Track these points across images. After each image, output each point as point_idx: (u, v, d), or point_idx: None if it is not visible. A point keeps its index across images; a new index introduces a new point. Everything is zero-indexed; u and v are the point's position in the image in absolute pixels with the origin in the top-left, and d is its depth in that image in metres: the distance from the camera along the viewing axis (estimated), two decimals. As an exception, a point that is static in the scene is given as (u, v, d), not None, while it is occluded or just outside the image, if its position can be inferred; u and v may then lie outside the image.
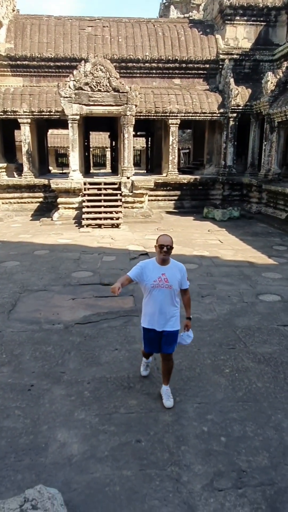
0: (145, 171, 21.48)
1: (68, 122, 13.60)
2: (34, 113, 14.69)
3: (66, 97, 13.19)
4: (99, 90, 13.28)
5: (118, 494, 2.83)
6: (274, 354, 4.76)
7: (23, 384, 4.16)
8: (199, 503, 2.76)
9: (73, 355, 4.75)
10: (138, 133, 20.47)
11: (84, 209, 13.23)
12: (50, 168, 23.14)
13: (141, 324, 3.84)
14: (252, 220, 14.35)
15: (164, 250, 3.58)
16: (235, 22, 15.85)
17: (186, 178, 15.99)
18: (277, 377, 4.29)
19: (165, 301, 3.62)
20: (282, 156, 15.02)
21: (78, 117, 13.49)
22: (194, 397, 3.93)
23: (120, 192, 13.71)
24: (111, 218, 13.16)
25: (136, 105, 13.68)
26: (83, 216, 13.06)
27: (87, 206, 13.30)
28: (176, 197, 16.08)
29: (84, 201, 13.40)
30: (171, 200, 16.08)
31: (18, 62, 15.31)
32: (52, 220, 13.49)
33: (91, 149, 26.12)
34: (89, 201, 13.41)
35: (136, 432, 3.45)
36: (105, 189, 13.75)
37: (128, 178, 13.95)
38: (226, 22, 15.82)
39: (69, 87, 13.13)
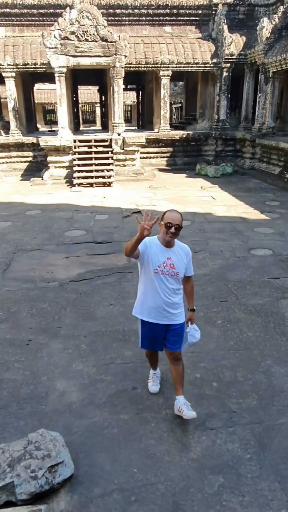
0: (136, 128, 20.92)
1: (55, 75, 13.02)
2: (19, 66, 13.98)
3: (52, 47, 12.54)
4: (86, 40, 12.62)
5: (116, 436, 3.01)
6: (264, 306, 4.91)
7: (21, 339, 4.27)
8: (192, 441, 2.95)
9: (69, 311, 4.85)
10: (128, 87, 19.70)
11: (75, 168, 12.98)
12: (38, 125, 22.42)
13: (138, 316, 3.15)
14: (245, 176, 14.21)
15: (172, 231, 2.83)
16: None
17: (178, 134, 15.62)
18: (267, 327, 4.45)
19: (170, 290, 2.99)
20: (277, 109, 14.65)
21: (65, 69, 12.90)
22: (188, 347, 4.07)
23: (111, 149, 13.41)
24: (103, 177, 12.96)
25: (125, 56, 13.07)
26: (74, 175, 12.84)
27: (78, 165, 13.05)
28: (168, 154, 15.78)
29: (74, 160, 13.12)
30: (163, 157, 15.79)
31: (-1, 10, 14.39)
32: (42, 179, 13.26)
33: (80, 105, 25.24)
34: (79, 159, 13.14)
35: (132, 380, 3.61)
36: (96, 146, 13.44)
37: (119, 134, 13.59)
38: None
39: (54, 36, 12.45)
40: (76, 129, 17.42)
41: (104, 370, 3.76)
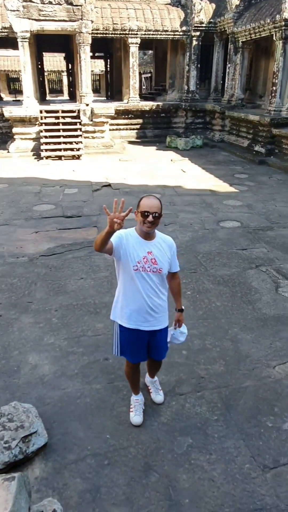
0: (105, 98, 20.36)
1: (18, 40, 12.36)
2: (-22, 30, 13.15)
3: (13, 10, 11.83)
4: (50, 2, 11.98)
5: (88, 404, 3.08)
6: (232, 276, 5.05)
7: (-9, 315, 4.23)
8: (162, 406, 3.07)
9: (39, 285, 4.82)
10: (96, 54, 19.01)
11: (42, 140, 12.57)
12: (2, 95, 21.45)
13: (117, 321, 2.73)
14: (215, 148, 14.24)
15: (149, 220, 2.40)
16: None
17: (148, 105, 15.33)
18: (234, 296, 4.59)
19: (154, 289, 2.60)
20: (246, 80, 14.58)
21: (28, 34, 12.26)
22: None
23: (79, 120, 13.03)
24: (72, 149, 12.64)
25: (92, 21, 12.54)
26: (42, 147, 12.45)
27: (45, 137, 12.63)
28: (138, 126, 15.52)
29: (41, 131, 12.68)
30: (133, 129, 15.52)
31: None
32: (8, 152, 12.79)
33: (45, 74, 24.15)
34: (47, 131, 12.70)
35: (104, 352, 3.67)
36: (63, 117, 13.01)
37: (87, 105, 13.19)
38: None
39: (15, -2, 11.73)
40: (42, 99, 16.77)
41: (76, 342, 3.80)
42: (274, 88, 11.96)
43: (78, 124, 13.00)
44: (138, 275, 2.52)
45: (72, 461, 2.63)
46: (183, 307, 2.93)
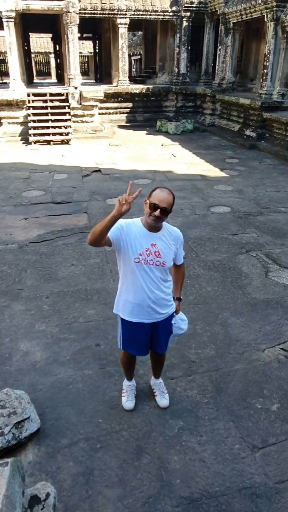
0: (94, 81, 19.98)
1: (3, 20, 12.00)
2: None
3: (-3, -12, 11.44)
4: (35, -19, 11.60)
5: (81, 390, 3.11)
6: (223, 261, 5.07)
7: (-19, 303, 4.21)
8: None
9: (30, 272, 4.80)
10: (84, 35, 18.57)
11: (30, 124, 12.33)
12: (-12, 77, 20.87)
13: (119, 314, 2.66)
14: (205, 133, 14.13)
15: (156, 214, 2.29)
16: None
17: (138, 88, 15.08)
18: (224, 281, 4.63)
19: (156, 283, 2.51)
20: (237, 63, 14.40)
21: (13, 14, 11.89)
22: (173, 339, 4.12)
23: (68, 104, 12.79)
24: (60, 134, 12.44)
25: (79, 0, 12.19)
26: (30, 132, 12.22)
27: (33, 121, 12.39)
28: (128, 110, 15.30)
29: (29, 115, 12.43)
30: (123, 113, 15.30)
31: None
32: (-5, 137, 12.53)
33: (32, 55, 23.57)
34: (34, 114, 12.46)
35: (96, 338, 3.69)
36: (52, 101, 12.75)
37: (75, 88, 12.94)
38: None
39: (0, -24, 11.34)
40: (29, 81, 16.40)
41: (67, 329, 3.81)
42: (265, 71, 11.84)
43: (66, 107, 12.76)
44: (139, 268, 2.44)
45: (65, 446, 2.66)
46: (181, 297, 2.87)
